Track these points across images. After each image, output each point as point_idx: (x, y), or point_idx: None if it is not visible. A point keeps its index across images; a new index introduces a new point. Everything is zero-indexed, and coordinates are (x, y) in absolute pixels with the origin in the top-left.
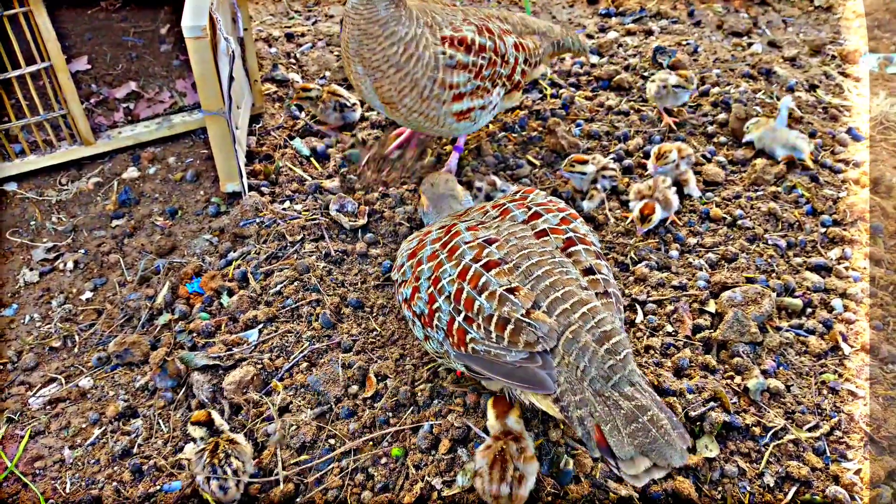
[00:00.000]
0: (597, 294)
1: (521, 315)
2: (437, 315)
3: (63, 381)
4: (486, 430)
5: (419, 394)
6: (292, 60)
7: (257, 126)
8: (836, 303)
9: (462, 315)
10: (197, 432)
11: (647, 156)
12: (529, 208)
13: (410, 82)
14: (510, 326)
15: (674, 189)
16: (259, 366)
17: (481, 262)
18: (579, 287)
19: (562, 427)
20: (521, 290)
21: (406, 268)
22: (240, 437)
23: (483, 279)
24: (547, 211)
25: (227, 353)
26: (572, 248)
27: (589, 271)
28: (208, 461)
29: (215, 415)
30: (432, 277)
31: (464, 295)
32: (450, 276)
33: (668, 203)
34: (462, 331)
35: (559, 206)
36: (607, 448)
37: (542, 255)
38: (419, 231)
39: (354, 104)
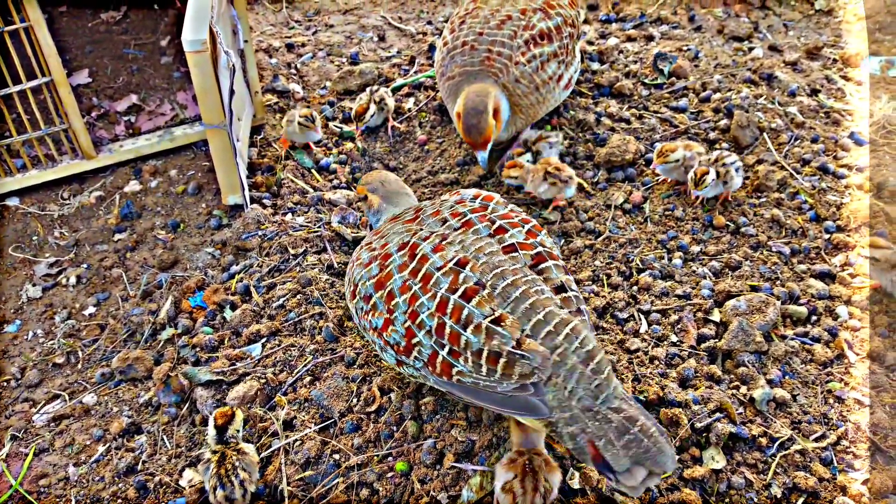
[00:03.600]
0: (570, 312)
1: (512, 347)
2: (416, 349)
3: (67, 397)
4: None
5: (423, 407)
6: (293, 71)
7: (259, 137)
8: (842, 310)
9: (447, 349)
10: (210, 431)
11: (648, 163)
12: (493, 221)
13: (529, 107)
14: (503, 360)
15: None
16: (263, 380)
17: (459, 292)
18: (557, 306)
19: None
20: (507, 318)
21: (375, 300)
22: (248, 447)
23: (465, 312)
24: (512, 225)
25: (231, 367)
26: (542, 265)
27: (561, 289)
28: (215, 471)
29: (238, 417)
30: (408, 312)
31: (447, 329)
32: (428, 309)
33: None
34: (447, 364)
35: (522, 217)
36: (604, 462)
37: (515, 275)
38: (367, 247)
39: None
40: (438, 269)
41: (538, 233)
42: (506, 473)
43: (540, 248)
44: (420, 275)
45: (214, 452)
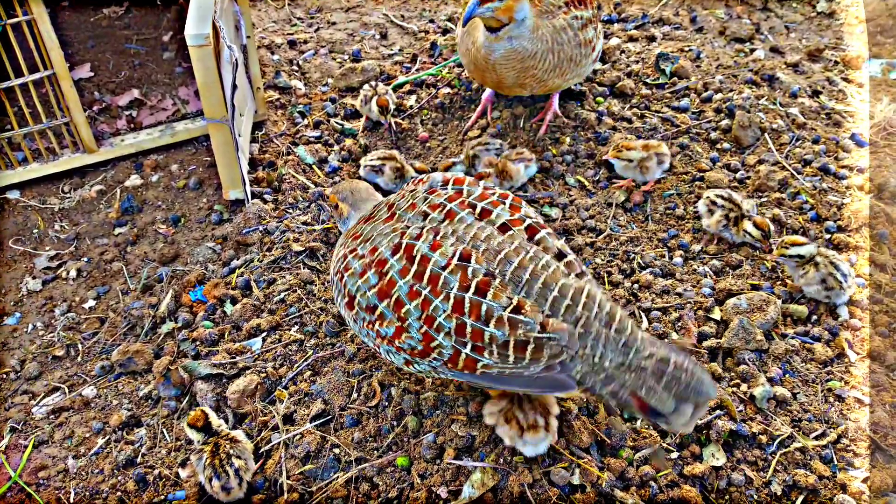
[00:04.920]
0: (576, 276)
1: (538, 332)
2: (436, 351)
3: (66, 390)
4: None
5: (423, 402)
6: (295, 67)
7: (260, 133)
8: (842, 309)
9: (469, 346)
10: (195, 435)
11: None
12: (474, 206)
13: (568, 63)
14: (531, 346)
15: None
16: (263, 374)
17: (472, 289)
18: (564, 275)
19: (566, 436)
20: (525, 304)
21: (382, 309)
22: (240, 434)
23: (484, 307)
24: (493, 204)
25: (231, 361)
26: (537, 236)
27: (560, 255)
28: (209, 462)
29: (211, 414)
30: (423, 317)
31: (468, 329)
32: (444, 312)
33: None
34: (471, 360)
35: (500, 193)
36: (651, 409)
37: (518, 255)
38: (353, 254)
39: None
40: (443, 268)
41: (519, 205)
42: (494, 405)
43: (529, 220)
44: (426, 277)
45: (206, 443)
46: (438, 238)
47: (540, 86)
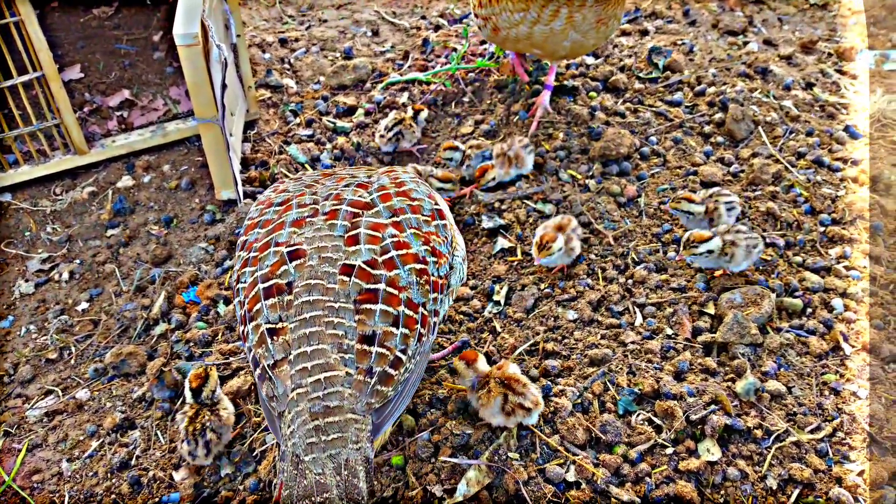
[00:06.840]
0: (358, 368)
1: (269, 364)
2: (237, 308)
3: (60, 393)
4: (482, 442)
5: (418, 400)
6: (286, 66)
7: (252, 132)
8: (837, 302)
9: (242, 328)
10: (188, 393)
11: (642, 157)
12: (356, 226)
13: (604, 26)
14: (258, 370)
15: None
16: None
17: (268, 283)
18: (336, 348)
19: (560, 433)
20: (284, 333)
21: (240, 241)
22: (227, 407)
23: (258, 306)
24: (370, 239)
25: (224, 362)
26: (369, 305)
27: (369, 340)
28: (185, 426)
29: (212, 378)
30: (238, 273)
31: (242, 311)
32: (244, 283)
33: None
34: (242, 338)
35: (397, 240)
36: None
37: (324, 294)
38: (274, 188)
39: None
40: (277, 245)
41: (400, 265)
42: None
43: (381, 287)
44: (265, 241)
45: (192, 407)
46: (307, 218)
47: (569, 44)
